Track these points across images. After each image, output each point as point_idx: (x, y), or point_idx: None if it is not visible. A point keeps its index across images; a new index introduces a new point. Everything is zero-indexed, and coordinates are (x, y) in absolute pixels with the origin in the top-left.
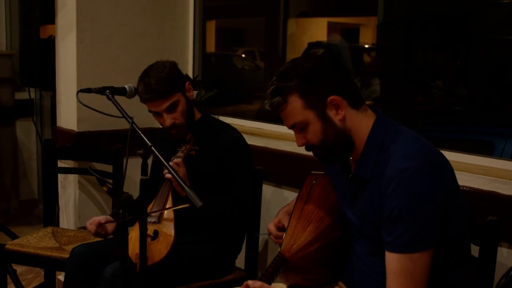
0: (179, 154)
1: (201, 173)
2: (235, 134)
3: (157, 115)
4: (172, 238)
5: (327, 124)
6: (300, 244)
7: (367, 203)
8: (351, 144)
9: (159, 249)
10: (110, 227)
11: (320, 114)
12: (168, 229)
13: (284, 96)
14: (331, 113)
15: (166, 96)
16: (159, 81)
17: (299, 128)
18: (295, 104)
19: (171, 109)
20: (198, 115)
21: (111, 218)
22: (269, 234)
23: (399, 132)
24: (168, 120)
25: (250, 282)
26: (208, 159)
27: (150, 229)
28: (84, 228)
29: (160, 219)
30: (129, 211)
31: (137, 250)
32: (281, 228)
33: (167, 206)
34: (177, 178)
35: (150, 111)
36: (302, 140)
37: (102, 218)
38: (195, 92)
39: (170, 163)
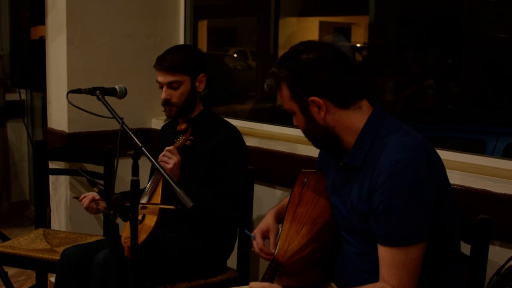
0: (176, 144)
1: (196, 163)
2: (235, 131)
3: (160, 87)
4: (155, 219)
5: (309, 120)
6: (294, 248)
7: (357, 192)
8: (337, 140)
9: (144, 230)
10: (103, 205)
11: (302, 109)
12: (154, 212)
13: (277, 82)
14: (313, 110)
15: (171, 72)
16: (173, 56)
17: (291, 113)
18: (284, 92)
19: (172, 86)
20: (200, 108)
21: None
22: (254, 237)
23: (394, 126)
24: (165, 94)
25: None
26: (204, 150)
27: (139, 214)
28: (78, 198)
29: (148, 203)
30: (120, 211)
31: (125, 234)
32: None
33: (156, 194)
34: (167, 177)
35: (156, 80)
36: (295, 122)
37: (96, 194)
38: None
39: (166, 149)
